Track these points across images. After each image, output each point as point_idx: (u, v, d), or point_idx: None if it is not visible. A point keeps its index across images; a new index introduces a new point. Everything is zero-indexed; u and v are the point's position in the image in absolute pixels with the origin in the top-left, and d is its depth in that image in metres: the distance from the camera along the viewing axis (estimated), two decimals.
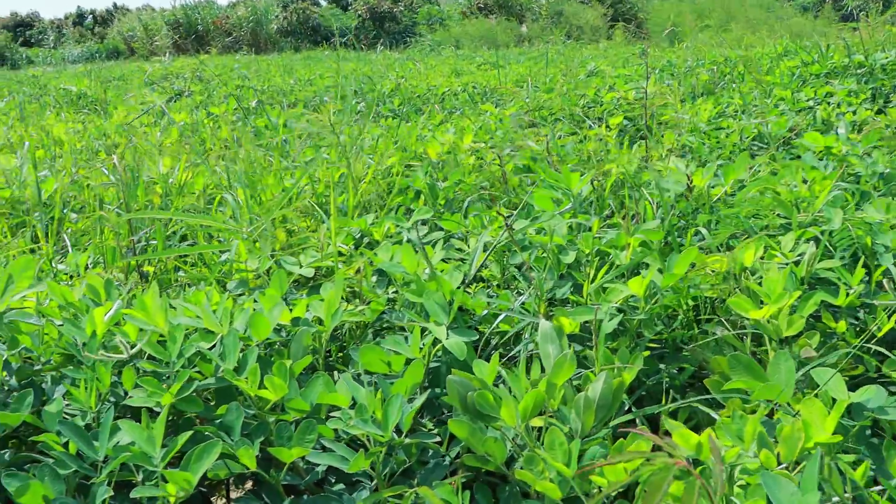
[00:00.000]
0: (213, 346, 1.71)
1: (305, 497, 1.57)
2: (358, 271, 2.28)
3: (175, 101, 8.67)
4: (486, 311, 2.12)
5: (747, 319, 1.86)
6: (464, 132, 4.74)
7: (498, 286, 2.50)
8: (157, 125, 6.23)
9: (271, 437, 1.57)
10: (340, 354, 2.14)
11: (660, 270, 2.00)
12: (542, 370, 1.63)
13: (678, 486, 1.21)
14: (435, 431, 1.75)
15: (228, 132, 5.67)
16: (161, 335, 1.78)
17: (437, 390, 1.77)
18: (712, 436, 1.15)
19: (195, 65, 9.33)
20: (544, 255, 2.29)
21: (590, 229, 2.40)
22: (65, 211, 3.82)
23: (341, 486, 1.65)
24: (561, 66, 10.78)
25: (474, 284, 2.46)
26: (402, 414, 1.46)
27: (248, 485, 1.87)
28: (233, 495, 1.93)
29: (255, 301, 1.98)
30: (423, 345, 1.77)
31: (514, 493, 1.58)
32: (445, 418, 1.85)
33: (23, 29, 45.08)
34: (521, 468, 1.37)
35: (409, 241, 2.63)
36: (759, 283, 1.91)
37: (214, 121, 6.51)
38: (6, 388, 1.69)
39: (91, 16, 47.95)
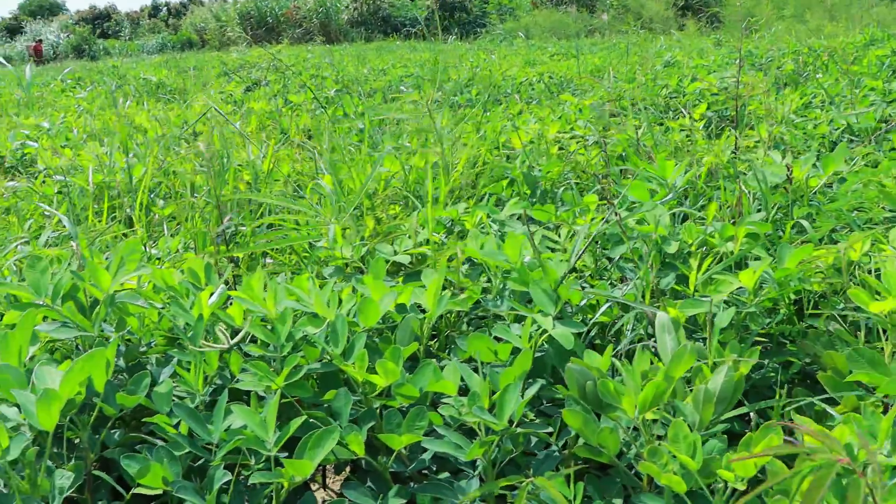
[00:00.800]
0: (318, 331, 1.69)
1: (414, 485, 1.55)
2: (451, 259, 2.25)
3: (252, 91, 8.75)
4: (583, 302, 2.07)
5: (863, 313, 1.79)
6: (549, 122, 4.69)
7: (591, 276, 2.46)
8: (236, 114, 6.29)
9: (377, 423, 1.55)
10: (436, 342, 2.12)
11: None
12: (651, 363, 1.58)
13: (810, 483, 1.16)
14: (537, 421, 1.71)
15: (308, 121, 5.70)
16: (264, 319, 1.78)
17: (541, 380, 1.74)
18: (860, 432, 1.09)
19: (270, 55, 9.39)
20: (642, 245, 2.24)
21: (685, 219, 2.35)
22: (152, 196, 3.86)
23: (446, 474, 1.63)
24: (635, 56, 10.62)
25: (569, 275, 2.41)
26: (516, 403, 1.43)
27: (346, 471, 1.86)
28: (327, 481, 1.92)
29: (354, 288, 1.97)
30: (531, 335, 1.74)
31: (619, 487, 1.55)
32: (546, 408, 1.82)
33: (101, 21, 46.12)
34: (643, 460, 1.33)
35: (499, 231, 2.60)
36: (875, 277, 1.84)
37: (293, 109, 6.55)
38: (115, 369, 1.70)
39: (165, 8, 48.86)
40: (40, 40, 36.63)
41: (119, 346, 1.77)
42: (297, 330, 1.65)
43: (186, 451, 1.41)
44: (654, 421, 1.53)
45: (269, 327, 1.72)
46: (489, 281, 2.28)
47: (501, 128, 4.59)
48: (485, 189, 3.26)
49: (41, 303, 1.63)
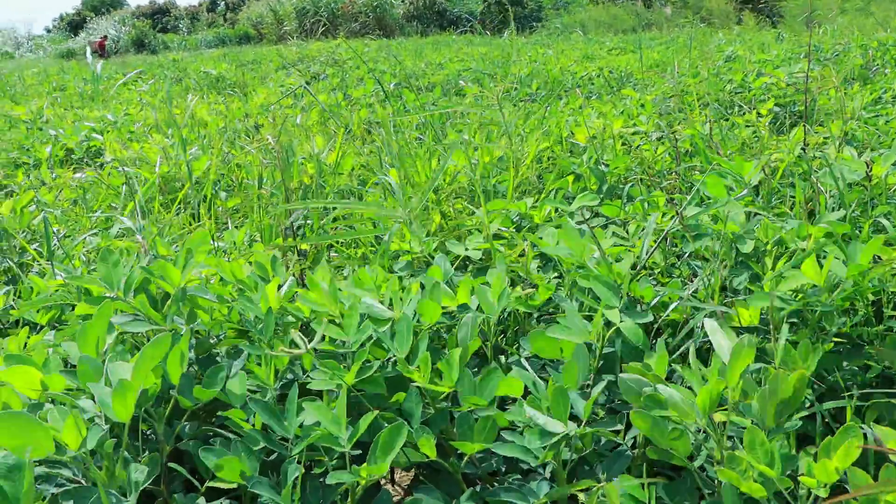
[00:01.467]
0: (384, 330, 1.68)
1: (484, 487, 1.53)
2: (521, 255, 2.22)
3: (311, 85, 8.79)
4: (655, 300, 2.03)
5: None
6: (611, 117, 4.64)
7: (661, 273, 2.41)
8: (297, 108, 6.32)
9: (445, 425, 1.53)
10: (504, 338, 2.10)
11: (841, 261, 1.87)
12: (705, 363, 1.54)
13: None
14: (606, 419, 1.68)
15: (368, 114, 5.70)
16: (331, 314, 1.76)
17: (611, 377, 1.70)
18: None
19: (329, 49, 9.44)
20: (714, 243, 2.19)
21: (752, 216, 2.28)
22: (215, 189, 3.89)
23: (516, 475, 1.60)
24: (695, 51, 10.47)
25: (640, 271, 2.37)
26: (581, 403, 1.40)
27: (414, 467, 1.84)
28: (395, 476, 1.91)
29: (422, 285, 1.95)
30: (594, 329, 1.70)
31: (693, 490, 1.51)
32: (616, 406, 1.78)
33: (160, 16, 46.82)
34: (721, 466, 1.29)
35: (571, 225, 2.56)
36: None
37: (352, 103, 6.56)
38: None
39: (223, 2, 49.41)
40: (105, 37, 37.26)
41: (191, 338, 1.77)
42: (364, 328, 1.63)
43: (261, 445, 1.41)
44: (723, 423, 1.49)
45: (337, 322, 1.71)
46: (560, 276, 2.25)
47: (564, 122, 4.55)
48: (551, 184, 3.23)
49: (113, 296, 1.64)
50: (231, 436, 1.56)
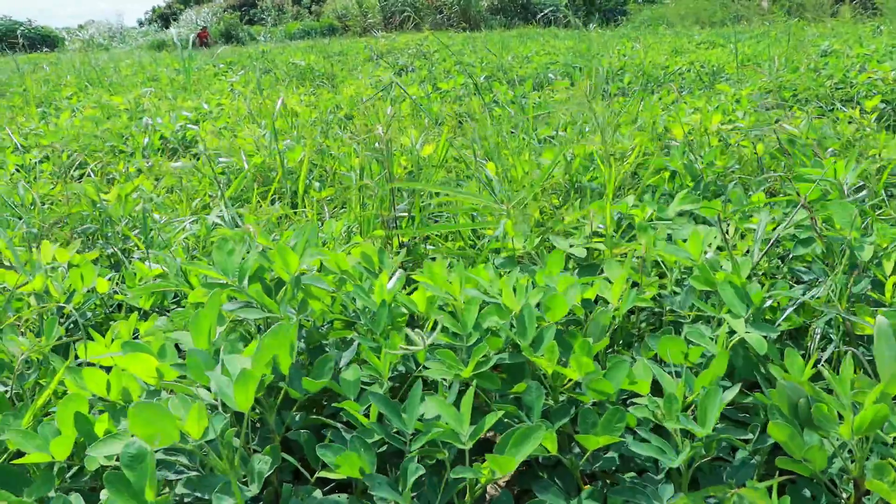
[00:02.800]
0: (505, 322, 1.65)
1: (604, 486, 1.49)
2: (627, 256, 2.17)
3: (399, 77, 8.81)
4: (767, 304, 1.96)
5: None
6: (705, 112, 4.53)
7: (764, 275, 2.34)
8: (386, 100, 6.33)
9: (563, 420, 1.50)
10: (616, 339, 2.05)
11: None
12: (856, 370, 1.47)
13: None
14: (721, 425, 1.62)
15: (457, 107, 5.68)
16: (445, 306, 1.74)
17: (737, 385, 1.65)
18: None
19: (416, 41, 9.44)
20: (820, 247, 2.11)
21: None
22: (309, 179, 3.91)
23: (630, 473, 1.56)
24: (786, 45, 10.19)
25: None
26: (717, 410, 1.35)
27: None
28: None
29: (532, 280, 1.92)
30: (721, 338, 1.65)
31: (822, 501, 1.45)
32: (727, 411, 1.72)
33: (247, 8, 47.54)
34: (868, 477, 1.23)
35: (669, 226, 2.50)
36: None
37: (442, 96, 6.54)
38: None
39: None
40: (206, 27, 37.86)
41: (302, 329, 1.77)
42: (482, 319, 1.61)
43: (378, 439, 1.39)
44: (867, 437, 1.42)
45: (451, 311, 1.69)
46: (660, 276, 2.19)
47: (658, 118, 4.46)
48: (647, 181, 3.16)
49: (227, 284, 1.64)
50: (339, 426, 1.55)
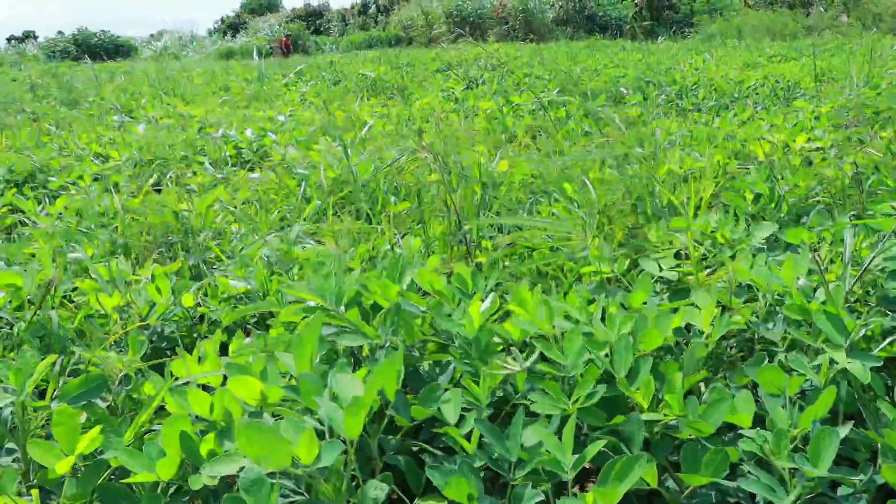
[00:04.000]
0: (602, 353, 1.62)
1: None
2: (714, 280, 2.13)
3: (469, 89, 8.82)
4: (861, 333, 1.90)
5: None
6: (783, 130, 4.45)
7: (857, 302, 2.27)
8: (458, 112, 6.34)
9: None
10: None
11: None
12: None
13: None
14: None
15: (531, 121, 5.66)
16: (540, 334, 1.72)
17: (849, 423, 1.60)
18: None
19: (486, 53, 9.44)
20: None
21: None
22: (385, 193, 3.92)
23: None
24: (864, 59, 9.97)
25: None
26: (833, 448, 1.31)
27: None
28: None
29: (622, 305, 1.89)
30: (823, 370, 1.61)
31: None
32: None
33: (314, 18, 48.13)
34: None
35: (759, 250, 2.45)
36: None
37: (514, 109, 6.53)
38: None
39: (374, 5, 50.37)
40: (289, 35, 38.21)
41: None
42: (582, 351, 1.59)
43: (481, 465, 1.38)
44: None
45: (544, 336, 1.67)
46: (747, 301, 2.15)
47: (727, 136, 4.40)
48: (728, 202, 3.10)
49: (327, 307, 1.64)
50: (437, 452, 1.54)
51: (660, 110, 6.41)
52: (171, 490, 1.46)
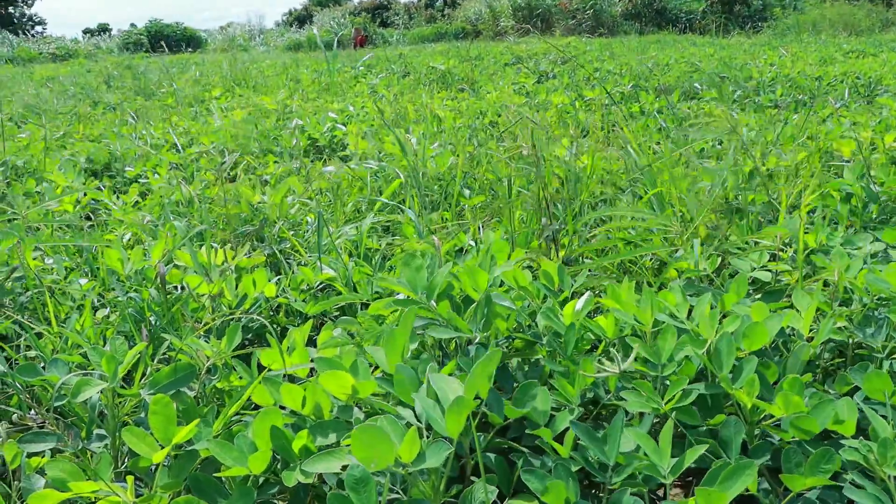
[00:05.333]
0: (702, 351, 1.58)
1: None
2: (818, 283, 2.06)
3: (540, 83, 8.75)
4: None
5: None
6: (866, 128, 4.32)
7: None
8: (529, 106, 6.28)
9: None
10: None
11: None
12: None
13: None
14: None
15: (602, 117, 5.59)
16: (635, 333, 1.69)
17: None
18: None
19: (556, 46, 9.36)
20: None
21: None
22: (461, 186, 3.89)
23: None
24: None
25: None
26: None
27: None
28: None
29: (712, 305, 1.84)
30: None
31: None
32: None
33: (381, 11, 48.35)
34: None
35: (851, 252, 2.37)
36: None
37: (587, 104, 6.46)
38: None
39: None
40: (363, 28, 38.40)
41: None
42: (679, 348, 1.54)
43: (577, 468, 1.35)
44: None
45: (638, 334, 1.63)
46: (842, 304, 2.07)
47: (820, 133, 4.28)
48: (814, 201, 3.01)
49: (417, 300, 1.62)
50: (524, 449, 1.51)
51: (736, 106, 6.29)
52: (259, 482, 1.45)
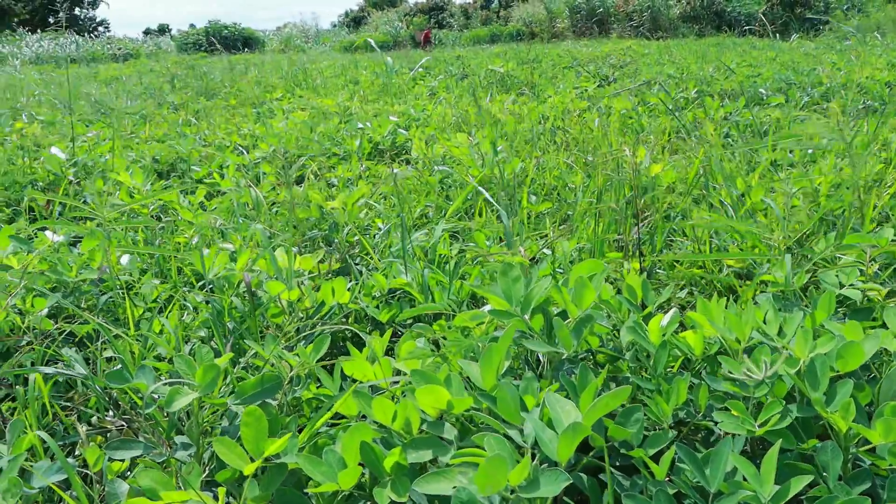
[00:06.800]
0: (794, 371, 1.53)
1: None
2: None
3: (600, 87, 8.68)
4: None
5: None
6: None
7: None
8: (593, 111, 6.23)
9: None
10: None
11: None
12: None
13: None
14: None
15: (668, 123, 5.52)
16: (722, 349, 1.65)
17: None
18: None
19: (620, 50, 9.27)
20: None
21: None
22: (529, 192, 3.86)
23: None
24: None
25: None
26: None
27: None
28: None
29: (801, 325, 1.79)
30: None
31: None
32: None
33: (436, 12, 48.45)
34: None
35: None
36: None
37: (650, 109, 6.38)
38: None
39: (496, 0, 50.41)
40: (430, 28, 38.42)
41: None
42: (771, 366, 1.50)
43: (673, 492, 1.31)
44: None
45: (727, 352, 1.59)
46: None
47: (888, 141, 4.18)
48: None
49: (512, 312, 1.60)
50: (614, 470, 1.48)
51: (803, 113, 6.16)
52: (343, 495, 1.44)
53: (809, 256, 2.30)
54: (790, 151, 4.20)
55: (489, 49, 22.31)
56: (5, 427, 1.90)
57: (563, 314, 1.70)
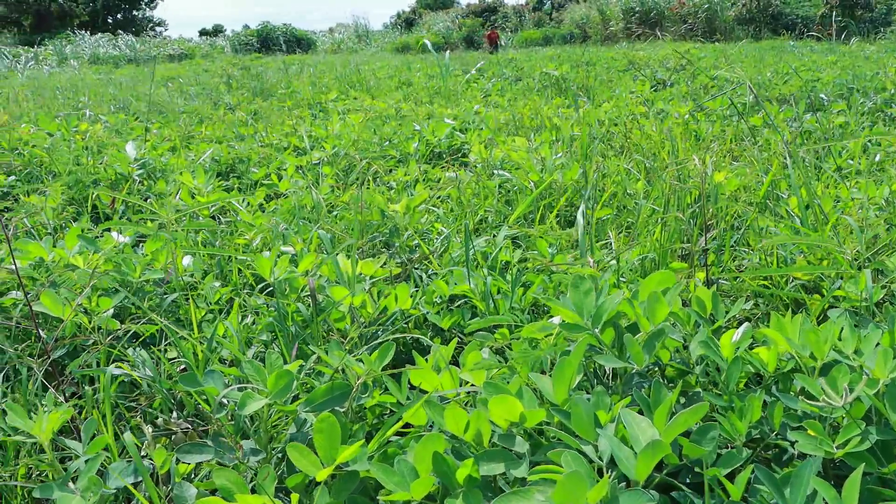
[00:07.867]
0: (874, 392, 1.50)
1: None
2: None
3: (656, 91, 8.60)
4: None
5: None
6: None
7: None
8: (649, 116, 6.17)
9: None
10: None
11: None
12: None
13: None
14: None
15: (723, 128, 5.45)
16: (797, 363, 1.62)
17: None
18: None
19: (677, 53, 9.17)
20: None
21: None
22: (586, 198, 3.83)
23: None
24: None
25: None
26: None
27: None
28: None
29: (878, 343, 1.74)
30: None
31: None
32: None
33: (488, 14, 48.39)
34: None
35: None
36: None
37: (709, 115, 6.31)
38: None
39: (549, 2, 50.24)
40: (497, 27, 38.36)
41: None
42: (853, 386, 1.47)
43: None
44: None
45: (802, 369, 1.56)
46: None
47: None
48: None
49: (583, 326, 1.59)
50: (683, 487, 1.46)
51: (866, 119, 6.05)
52: None
53: (884, 271, 2.25)
54: (854, 159, 4.12)
55: (542, 51, 22.23)
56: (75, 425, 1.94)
57: (633, 327, 1.69)
